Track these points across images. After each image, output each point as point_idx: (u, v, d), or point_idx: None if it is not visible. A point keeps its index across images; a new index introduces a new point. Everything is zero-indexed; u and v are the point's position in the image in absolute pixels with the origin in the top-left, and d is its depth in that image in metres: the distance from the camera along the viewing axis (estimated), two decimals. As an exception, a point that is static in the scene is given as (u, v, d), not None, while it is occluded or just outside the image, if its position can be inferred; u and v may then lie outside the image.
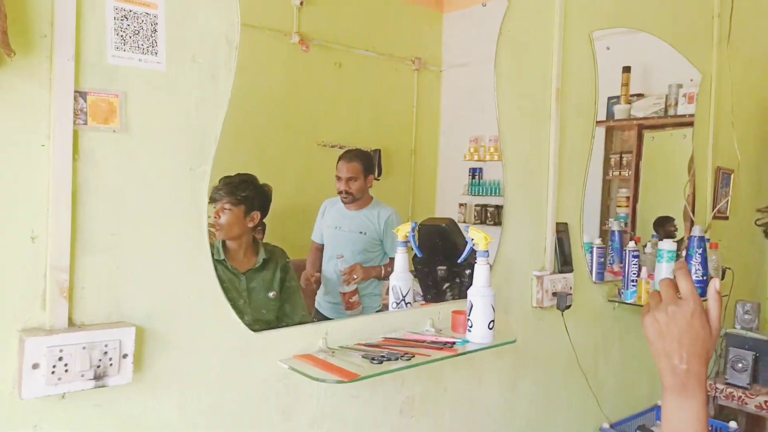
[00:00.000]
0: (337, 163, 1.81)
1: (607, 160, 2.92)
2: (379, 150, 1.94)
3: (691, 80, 2.52)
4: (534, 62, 1.76)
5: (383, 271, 1.82)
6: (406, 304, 1.54)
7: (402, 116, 2.04)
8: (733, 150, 2.60)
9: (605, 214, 2.78)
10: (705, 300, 0.79)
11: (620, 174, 2.90)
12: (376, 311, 1.78)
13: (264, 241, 1.68)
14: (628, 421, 2.06)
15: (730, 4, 2.53)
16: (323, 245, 1.87)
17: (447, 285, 1.82)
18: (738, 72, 2.65)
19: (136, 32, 1.01)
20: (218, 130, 1.11)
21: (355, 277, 1.76)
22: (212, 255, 1.11)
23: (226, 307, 1.13)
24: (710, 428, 2.10)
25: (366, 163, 1.84)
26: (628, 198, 2.76)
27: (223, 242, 1.53)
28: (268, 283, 1.56)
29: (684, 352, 0.77)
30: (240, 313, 1.16)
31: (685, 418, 0.77)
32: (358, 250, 1.86)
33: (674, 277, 0.80)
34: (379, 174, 1.93)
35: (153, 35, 1.03)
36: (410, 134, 2.05)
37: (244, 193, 1.51)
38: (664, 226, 2.73)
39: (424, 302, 1.70)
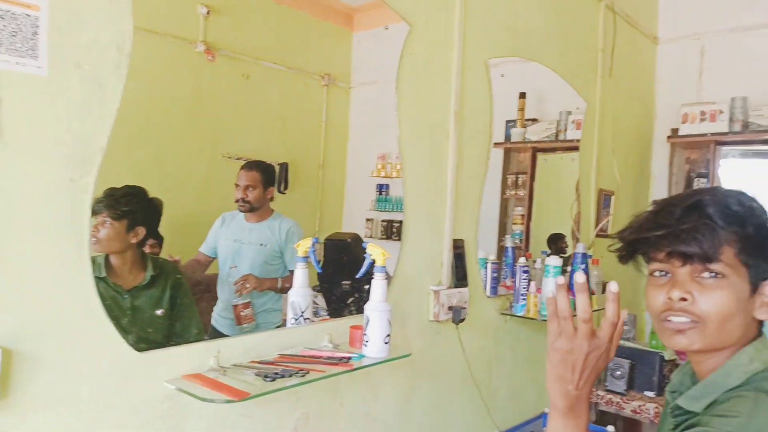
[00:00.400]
0: (238, 172, 1.80)
1: (504, 179, 3.09)
2: (287, 163, 1.93)
3: (577, 108, 2.72)
4: (433, 86, 1.83)
5: (280, 283, 1.81)
6: (305, 320, 1.53)
7: (310, 131, 2.05)
8: (613, 174, 2.83)
9: (503, 230, 2.93)
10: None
11: (516, 193, 3.07)
12: (277, 327, 1.76)
13: (161, 255, 1.62)
14: (518, 429, 2.16)
15: (612, 41, 2.77)
16: (212, 258, 1.83)
17: (351, 299, 1.84)
18: (619, 103, 2.90)
19: (14, 34, 0.95)
20: (104, 140, 1.06)
21: (248, 286, 1.74)
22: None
23: (107, 325, 1.08)
24: (590, 432, 2.26)
25: (266, 173, 1.84)
26: (522, 216, 2.92)
27: (107, 258, 1.46)
28: (156, 300, 1.50)
29: (580, 380, 0.82)
30: (124, 332, 1.10)
31: None
32: (258, 263, 1.85)
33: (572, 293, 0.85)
34: (286, 187, 1.93)
35: (33, 38, 0.97)
36: (318, 149, 2.06)
37: (126, 208, 1.43)
38: (556, 243, 2.92)
39: (328, 317, 1.71)
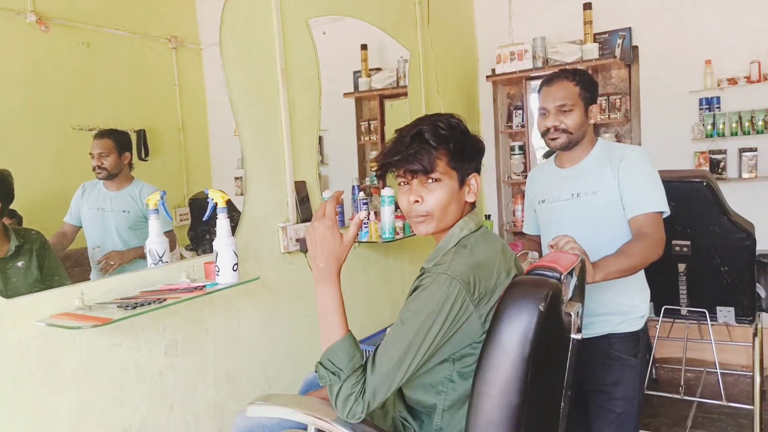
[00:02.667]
0: (92, 142, 1.85)
1: (359, 127, 3.41)
2: (143, 130, 1.97)
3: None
4: (257, 47, 2.07)
5: (145, 249, 1.97)
6: (164, 263, 1.76)
7: (164, 95, 2.06)
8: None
9: (362, 174, 3.27)
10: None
11: (370, 138, 3.41)
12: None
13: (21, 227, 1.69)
14: (372, 337, 2.55)
15: (427, -6, 3.13)
16: (78, 227, 1.93)
17: (209, 249, 2.00)
18: (441, 49, 3.29)
19: None
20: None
21: (112, 263, 1.84)
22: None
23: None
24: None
25: (119, 139, 1.90)
26: (377, 159, 3.26)
27: None
28: (23, 270, 1.61)
29: (322, 254, 1.18)
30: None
31: (325, 298, 1.20)
32: (123, 228, 1.95)
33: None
34: (147, 154, 1.98)
35: None
36: (175, 113, 2.07)
37: None
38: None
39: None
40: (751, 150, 3.09)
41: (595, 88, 1.76)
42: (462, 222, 1.24)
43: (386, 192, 2.49)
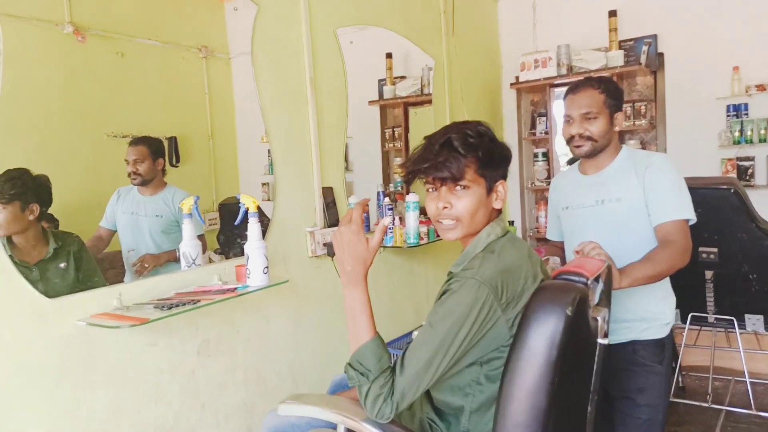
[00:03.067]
0: (127, 149, 1.91)
1: (383, 134, 3.45)
2: (175, 137, 2.02)
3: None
4: (287, 57, 2.12)
5: (178, 252, 1.96)
6: (197, 265, 1.82)
7: (195, 103, 2.09)
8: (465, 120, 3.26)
9: (386, 180, 3.30)
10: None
11: (394, 145, 3.45)
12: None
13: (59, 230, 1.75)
14: (397, 341, 2.58)
15: (452, 4, 3.17)
16: (113, 231, 1.99)
17: (241, 252, 2.04)
18: (465, 57, 3.32)
19: None
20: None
21: (146, 266, 1.89)
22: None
23: (20, 279, 1.32)
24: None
25: (153, 146, 1.96)
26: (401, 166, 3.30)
27: (9, 239, 1.57)
28: (62, 271, 1.68)
29: (349, 259, 1.22)
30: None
31: (353, 300, 1.24)
32: (156, 232, 2.01)
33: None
34: (178, 160, 2.03)
35: None
36: (205, 120, 2.11)
37: (14, 190, 1.53)
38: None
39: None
40: (780, 157, 3.05)
41: (620, 95, 1.77)
42: (489, 227, 1.26)
43: (411, 198, 2.53)
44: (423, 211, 2.70)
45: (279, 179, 2.10)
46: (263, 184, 2.40)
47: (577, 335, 1.06)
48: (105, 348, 1.50)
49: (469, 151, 1.22)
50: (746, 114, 3.16)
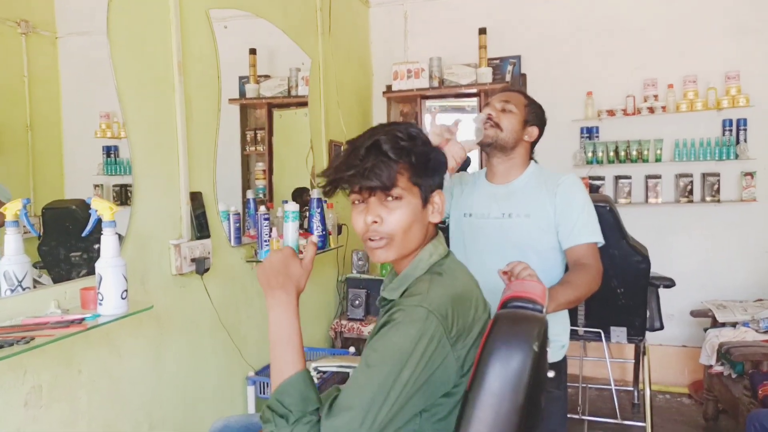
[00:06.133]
0: None
1: (243, 136, 3.13)
2: None
3: (303, 64, 2.89)
4: (152, 35, 1.77)
5: None
6: (24, 289, 1.40)
7: (10, 86, 1.79)
8: (341, 126, 3.09)
9: (246, 186, 2.99)
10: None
11: (256, 149, 3.15)
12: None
13: None
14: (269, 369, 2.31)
15: (329, 1, 2.98)
16: None
17: (85, 272, 1.71)
18: (340, 61, 3.15)
19: None
20: None
21: None
22: None
23: None
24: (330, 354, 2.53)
25: None
26: (264, 171, 3.01)
27: None
28: None
29: (279, 277, 1.02)
30: None
31: (278, 326, 1.02)
32: None
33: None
34: None
35: None
36: (23, 107, 1.80)
37: None
38: (301, 196, 3.09)
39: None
40: (626, 177, 3.33)
41: (542, 116, 1.73)
42: (431, 246, 1.09)
43: (290, 207, 2.27)
44: (302, 224, 2.47)
45: (138, 181, 1.73)
46: (96, 186, 2.11)
47: (537, 374, 0.92)
48: None
49: (400, 156, 1.03)
50: (597, 136, 3.41)
